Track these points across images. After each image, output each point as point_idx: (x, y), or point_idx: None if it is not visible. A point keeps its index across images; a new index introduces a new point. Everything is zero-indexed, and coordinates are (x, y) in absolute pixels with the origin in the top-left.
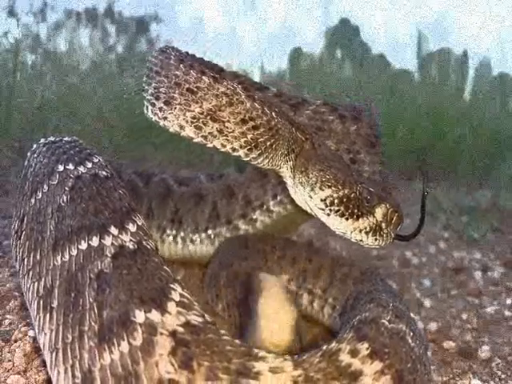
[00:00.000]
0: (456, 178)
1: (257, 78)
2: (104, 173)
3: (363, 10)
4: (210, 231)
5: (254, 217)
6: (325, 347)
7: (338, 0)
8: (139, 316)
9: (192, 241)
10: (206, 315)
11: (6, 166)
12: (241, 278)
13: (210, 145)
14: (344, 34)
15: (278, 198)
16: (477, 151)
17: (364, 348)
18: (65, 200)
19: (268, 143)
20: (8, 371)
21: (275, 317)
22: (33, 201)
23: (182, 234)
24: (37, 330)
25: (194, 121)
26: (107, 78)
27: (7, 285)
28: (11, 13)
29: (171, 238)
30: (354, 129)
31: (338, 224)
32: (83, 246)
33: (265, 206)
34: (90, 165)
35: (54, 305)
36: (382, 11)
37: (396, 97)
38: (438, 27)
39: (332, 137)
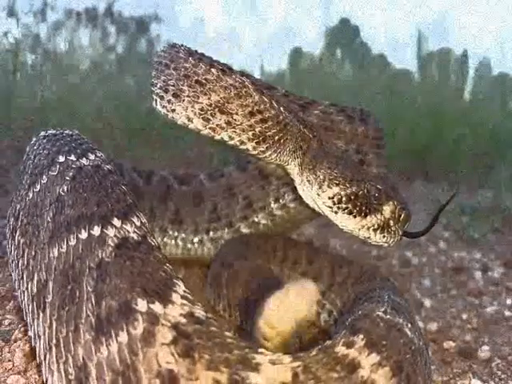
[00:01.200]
0: (456, 178)
1: None
2: (108, 166)
3: (363, 10)
4: (210, 233)
5: (256, 220)
6: (320, 346)
7: (338, 0)
8: (141, 305)
9: (192, 242)
10: (208, 312)
11: (6, 165)
12: (243, 277)
13: (217, 137)
14: (344, 34)
15: (281, 201)
16: (477, 151)
17: (359, 339)
18: (65, 190)
19: (276, 137)
20: (8, 371)
21: (292, 308)
22: (30, 194)
23: (182, 235)
24: (32, 336)
25: (203, 113)
26: (107, 78)
27: (7, 285)
28: (11, 13)
29: (172, 239)
30: (362, 130)
31: (345, 222)
32: (83, 235)
33: (267, 209)
34: (92, 157)
35: (48, 300)
36: (382, 11)
37: (396, 97)
38: (438, 27)
39: (341, 137)
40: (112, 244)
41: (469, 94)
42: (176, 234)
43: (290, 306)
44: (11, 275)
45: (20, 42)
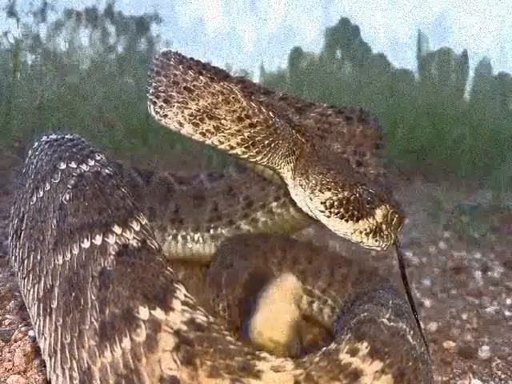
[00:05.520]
0: (456, 177)
1: (257, 78)
2: (106, 171)
3: (363, 10)
4: (211, 231)
5: (256, 217)
6: (324, 349)
7: (337, 0)
8: (143, 312)
9: (193, 240)
10: (210, 316)
11: (6, 166)
12: (243, 277)
13: (208, 141)
14: (344, 34)
15: (282, 200)
16: (477, 151)
17: (364, 347)
18: (67, 198)
19: (266, 142)
20: (8, 371)
21: (279, 313)
22: (34, 199)
23: (183, 233)
24: (37, 336)
25: (192, 118)
26: (107, 77)
27: (7, 285)
28: (11, 13)
29: (172, 237)
30: (360, 130)
31: (338, 226)
32: (86, 244)
33: (266, 208)
34: (92, 162)
35: (54, 306)
36: (382, 11)
37: (396, 97)
38: (438, 27)
39: (339, 139)
40: (113, 252)
41: (469, 94)
42: (175, 231)
43: (276, 313)
44: (12, 275)
45: (20, 42)
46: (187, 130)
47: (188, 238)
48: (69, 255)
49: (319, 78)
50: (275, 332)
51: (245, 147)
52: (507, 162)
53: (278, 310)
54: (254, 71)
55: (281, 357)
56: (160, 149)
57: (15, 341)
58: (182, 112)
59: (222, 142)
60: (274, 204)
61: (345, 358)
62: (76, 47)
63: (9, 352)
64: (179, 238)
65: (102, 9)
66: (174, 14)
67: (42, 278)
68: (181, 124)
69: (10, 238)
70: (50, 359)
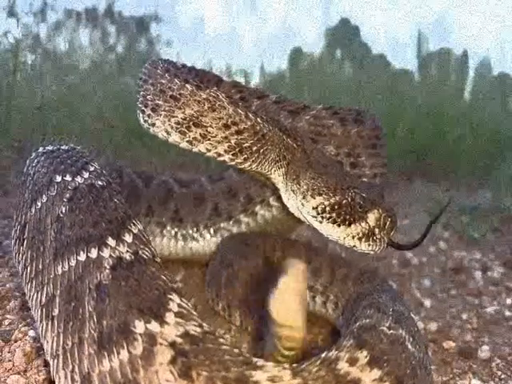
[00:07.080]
0: (456, 178)
1: (257, 78)
2: (100, 182)
3: (363, 10)
4: (211, 228)
5: (255, 210)
6: (324, 355)
7: (337, 0)
8: (139, 326)
9: (193, 237)
10: (204, 324)
11: (6, 166)
12: (243, 277)
13: (195, 149)
14: (344, 34)
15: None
16: (477, 151)
17: (363, 356)
18: (63, 211)
19: (254, 148)
20: (8, 371)
21: (294, 299)
22: (33, 210)
23: (183, 231)
24: (41, 337)
25: (179, 126)
26: (107, 77)
27: (7, 285)
28: (11, 13)
29: (172, 235)
30: (356, 131)
31: (330, 231)
32: (82, 257)
33: (265, 201)
34: (86, 175)
35: (55, 313)
36: (382, 11)
37: (396, 97)
38: (438, 27)
39: (332, 141)
40: (108, 266)
41: (469, 94)
42: (176, 230)
43: (294, 300)
44: (12, 275)
45: (20, 42)
46: (174, 138)
47: (188, 235)
48: (67, 266)
49: (319, 78)
50: (294, 319)
51: (232, 154)
52: (507, 162)
53: (294, 298)
54: (253, 71)
55: (280, 364)
56: (158, 150)
57: (15, 341)
58: (169, 120)
59: (209, 150)
60: (272, 197)
61: (344, 367)
62: (76, 47)
63: (9, 352)
64: (179, 236)
65: (102, 9)
66: (174, 14)
67: (45, 287)
68: (168, 132)
69: (13, 242)
70: (53, 361)
